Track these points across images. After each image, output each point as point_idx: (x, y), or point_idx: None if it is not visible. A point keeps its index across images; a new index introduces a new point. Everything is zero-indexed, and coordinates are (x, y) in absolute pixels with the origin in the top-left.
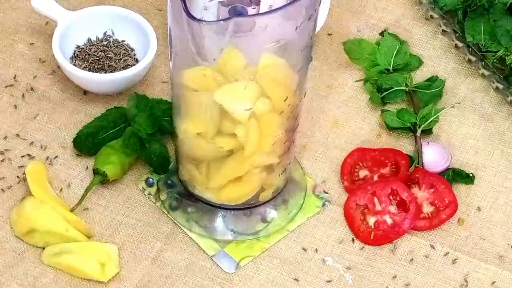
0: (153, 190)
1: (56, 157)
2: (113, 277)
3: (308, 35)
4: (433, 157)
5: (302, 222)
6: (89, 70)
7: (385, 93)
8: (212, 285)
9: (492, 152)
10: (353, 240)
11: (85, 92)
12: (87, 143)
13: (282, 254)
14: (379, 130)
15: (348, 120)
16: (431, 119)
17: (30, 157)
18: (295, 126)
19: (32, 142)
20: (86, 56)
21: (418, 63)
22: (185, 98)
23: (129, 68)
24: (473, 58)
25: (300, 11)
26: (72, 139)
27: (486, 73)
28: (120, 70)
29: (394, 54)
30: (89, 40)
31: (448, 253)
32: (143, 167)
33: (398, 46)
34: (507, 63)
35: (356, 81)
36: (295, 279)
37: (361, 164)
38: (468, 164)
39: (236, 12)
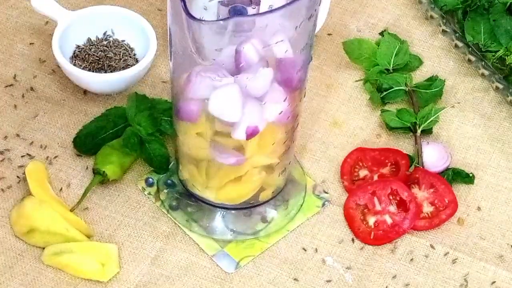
0: (153, 190)
1: (56, 157)
2: (113, 277)
3: (308, 35)
4: (433, 157)
5: (302, 222)
6: (89, 70)
7: (385, 93)
8: (212, 285)
9: (492, 152)
10: (353, 240)
11: (85, 92)
12: (87, 143)
13: (282, 254)
14: (379, 130)
15: (348, 120)
16: (431, 119)
17: (30, 157)
18: (295, 126)
19: (32, 142)
20: (86, 56)
21: (418, 63)
22: None
23: (129, 68)
24: (473, 58)
25: (300, 11)
26: (72, 139)
27: (486, 73)
28: (120, 70)
29: (394, 54)
30: (89, 40)
31: (448, 253)
32: (143, 167)
33: (398, 46)
34: (507, 63)
35: (356, 81)
36: (295, 279)
37: (361, 164)
38: (468, 164)
39: (236, 12)
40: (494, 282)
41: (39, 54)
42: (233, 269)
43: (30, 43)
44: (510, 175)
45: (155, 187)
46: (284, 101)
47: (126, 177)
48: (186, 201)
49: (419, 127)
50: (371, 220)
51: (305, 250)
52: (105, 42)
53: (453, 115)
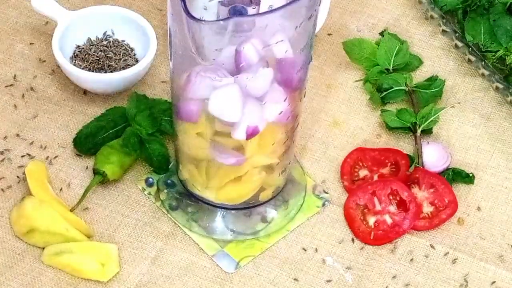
0: (153, 190)
1: (56, 157)
2: (113, 277)
3: (308, 35)
4: (433, 157)
5: (302, 222)
6: (89, 70)
7: (385, 93)
8: (212, 285)
9: (492, 152)
10: (353, 240)
11: (85, 92)
12: (87, 143)
13: (282, 254)
14: (379, 130)
15: (348, 120)
16: (431, 119)
17: (30, 157)
18: (295, 126)
19: (32, 142)
20: (86, 56)
21: (418, 63)
22: None
23: (129, 68)
24: (473, 58)
25: (300, 11)
26: (72, 139)
27: (486, 73)
28: (120, 70)
29: (394, 54)
30: (89, 40)
31: (448, 253)
32: (143, 167)
33: (398, 46)
34: (507, 63)
35: (356, 81)
36: (295, 279)
37: (361, 164)
38: (468, 164)
39: (236, 12)
40: (494, 282)
41: (39, 54)
42: (233, 269)
43: (30, 43)
44: (510, 175)
45: (155, 187)
46: (284, 101)
47: (126, 177)
48: (186, 201)
49: (419, 127)
50: (371, 220)
51: (305, 250)
52: (105, 42)
53: (453, 115)
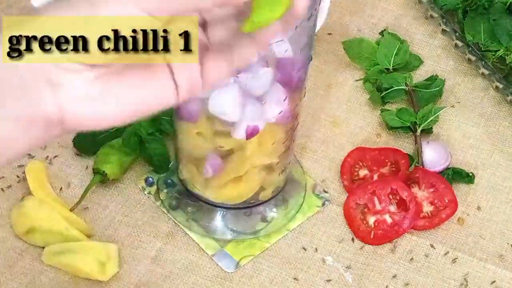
0: (153, 189)
1: (56, 156)
2: (113, 276)
3: (307, 34)
4: (433, 157)
5: (302, 222)
6: None
7: (385, 92)
8: (211, 285)
9: (492, 151)
10: (353, 239)
11: None
12: (87, 142)
13: (282, 254)
14: (379, 129)
15: (348, 119)
16: (431, 118)
17: (30, 156)
18: (294, 126)
19: None
20: None
21: (418, 62)
22: None
23: None
24: (473, 58)
25: None
26: (72, 139)
27: (486, 72)
28: None
29: (394, 54)
30: None
31: (448, 252)
32: (143, 166)
33: (398, 46)
34: (507, 63)
35: (356, 80)
36: (294, 278)
37: (361, 164)
38: (468, 164)
39: None
40: (494, 281)
41: None
42: (233, 269)
43: None
44: (510, 175)
45: (155, 187)
46: (284, 100)
47: (126, 176)
48: (186, 200)
49: (419, 127)
50: (371, 220)
51: (305, 250)
52: None
53: (453, 114)
